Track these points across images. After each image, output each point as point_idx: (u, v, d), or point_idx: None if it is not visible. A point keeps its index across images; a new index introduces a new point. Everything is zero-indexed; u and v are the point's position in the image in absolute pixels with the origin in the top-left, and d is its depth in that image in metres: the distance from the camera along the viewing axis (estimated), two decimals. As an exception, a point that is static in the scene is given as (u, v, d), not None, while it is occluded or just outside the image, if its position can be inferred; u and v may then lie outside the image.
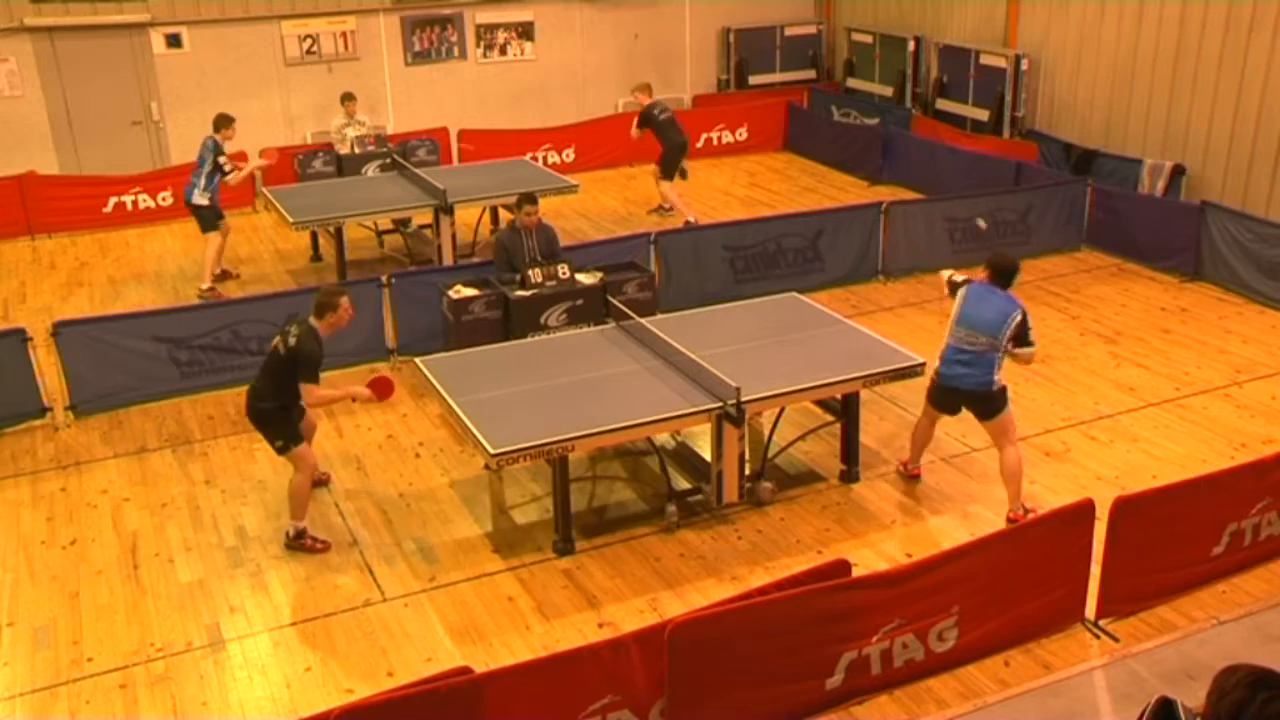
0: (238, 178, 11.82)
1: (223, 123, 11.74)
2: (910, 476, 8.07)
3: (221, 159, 11.56)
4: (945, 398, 7.59)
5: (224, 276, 12.34)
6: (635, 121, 14.08)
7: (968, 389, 7.37)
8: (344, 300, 7.24)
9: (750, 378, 7.23)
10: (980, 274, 7.60)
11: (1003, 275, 7.45)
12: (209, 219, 11.83)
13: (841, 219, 11.93)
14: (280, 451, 7.34)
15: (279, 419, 7.25)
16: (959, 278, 7.77)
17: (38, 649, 6.53)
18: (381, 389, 7.33)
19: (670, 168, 13.96)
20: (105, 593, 7.03)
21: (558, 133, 16.48)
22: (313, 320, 7.17)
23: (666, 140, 13.89)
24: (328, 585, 7.05)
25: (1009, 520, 7.36)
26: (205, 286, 11.76)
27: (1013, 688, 5.95)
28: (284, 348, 7.11)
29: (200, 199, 11.68)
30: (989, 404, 7.37)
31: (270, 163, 12.29)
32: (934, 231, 12.04)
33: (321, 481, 8.12)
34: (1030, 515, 7.18)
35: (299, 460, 7.31)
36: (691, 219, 13.58)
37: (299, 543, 7.41)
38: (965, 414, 7.68)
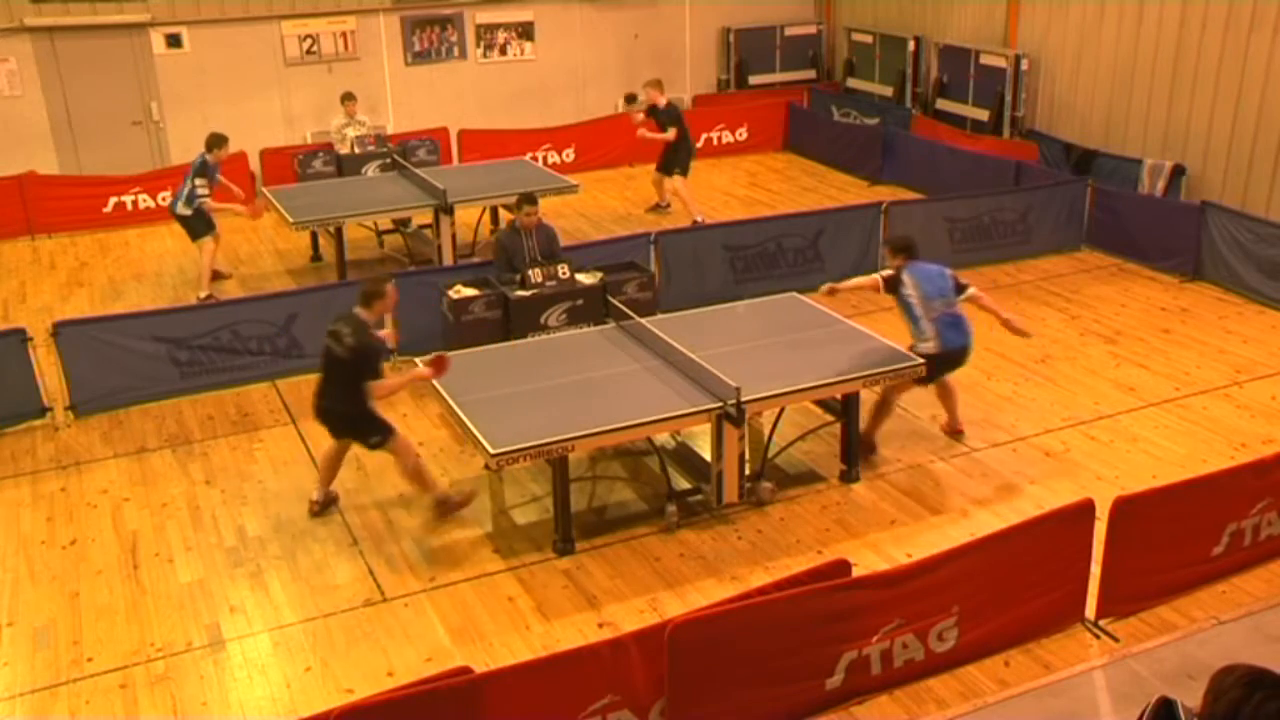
0: (209, 205, 11.54)
1: (215, 143, 11.50)
2: (956, 433, 8.60)
3: (199, 182, 11.35)
4: (949, 363, 8.15)
5: (217, 277, 12.29)
6: (661, 121, 13.68)
7: (969, 343, 8.15)
8: (389, 286, 7.36)
9: (750, 378, 7.23)
10: (896, 261, 8.24)
11: (913, 249, 8.25)
12: (197, 228, 11.67)
13: (841, 219, 11.94)
14: (376, 447, 7.41)
15: (367, 417, 7.28)
16: (886, 272, 8.28)
17: (38, 649, 6.53)
18: (439, 365, 7.35)
19: (687, 165, 13.80)
20: (105, 593, 7.03)
21: (558, 133, 16.48)
22: (360, 312, 7.19)
23: (686, 137, 13.75)
24: (328, 585, 7.05)
25: (956, 431, 8.56)
26: (204, 294, 11.65)
27: (1013, 688, 5.94)
28: (342, 349, 7.09)
29: (184, 209, 11.50)
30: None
31: (249, 213, 12.09)
32: (934, 231, 12.03)
33: (331, 500, 7.97)
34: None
35: (398, 449, 7.37)
36: (700, 218, 13.55)
37: (445, 509, 7.56)
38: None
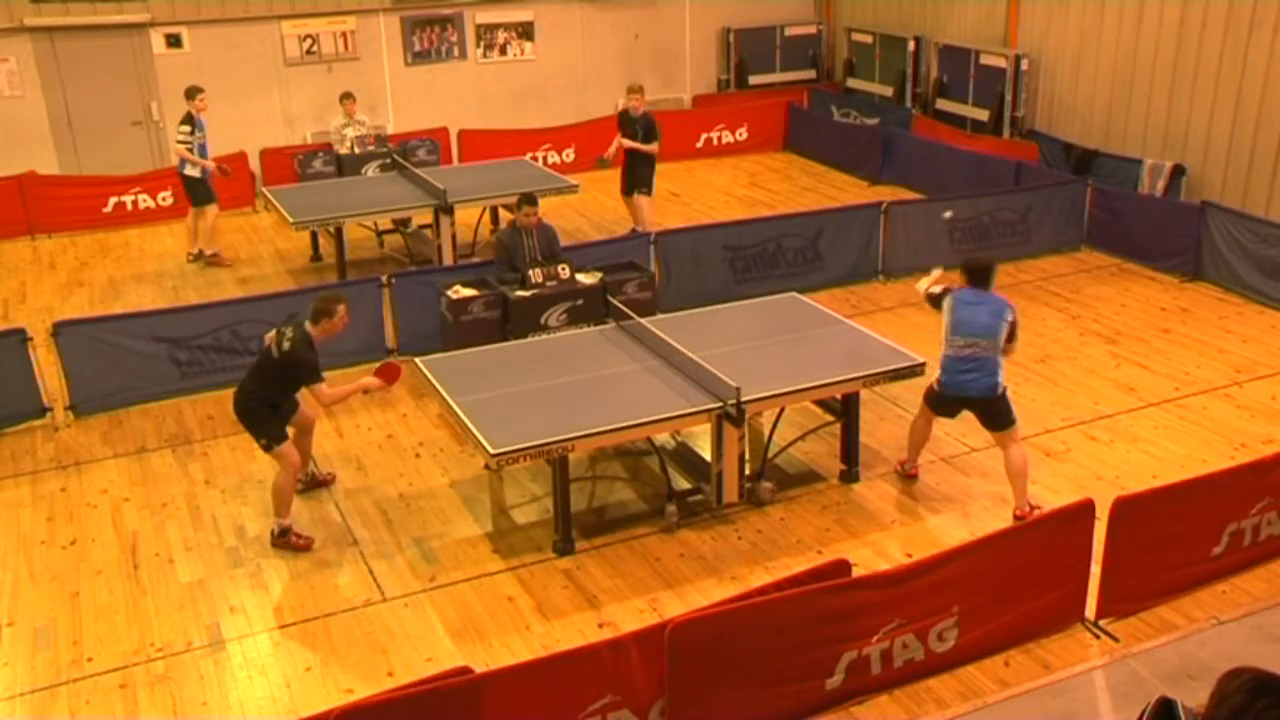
0: (182, 153, 12.13)
1: (193, 93, 12.10)
2: (908, 476, 8.06)
3: (183, 129, 11.85)
4: (949, 404, 7.61)
5: (212, 257, 12.62)
6: (642, 134, 12.62)
7: (976, 396, 7.38)
8: (341, 308, 7.28)
9: (750, 378, 7.22)
10: (958, 280, 7.59)
11: (982, 277, 7.48)
12: (200, 194, 11.89)
13: (841, 219, 11.93)
14: (265, 450, 7.39)
15: (264, 418, 7.28)
16: (937, 289, 7.65)
17: (38, 649, 6.53)
18: (389, 374, 7.40)
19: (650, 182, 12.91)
20: (105, 593, 7.03)
21: (558, 133, 16.47)
22: (308, 325, 7.19)
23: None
24: (328, 585, 7.05)
25: (1016, 517, 7.36)
26: (195, 252, 11.52)
27: (1013, 688, 5.95)
28: (277, 351, 7.14)
29: (192, 170, 11.78)
30: (995, 409, 7.39)
31: (223, 172, 12.63)
32: (934, 231, 12.03)
33: (325, 481, 8.14)
34: (1037, 512, 7.20)
35: (283, 459, 7.33)
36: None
37: (284, 540, 7.42)
38: (966, 414, 7.69)
